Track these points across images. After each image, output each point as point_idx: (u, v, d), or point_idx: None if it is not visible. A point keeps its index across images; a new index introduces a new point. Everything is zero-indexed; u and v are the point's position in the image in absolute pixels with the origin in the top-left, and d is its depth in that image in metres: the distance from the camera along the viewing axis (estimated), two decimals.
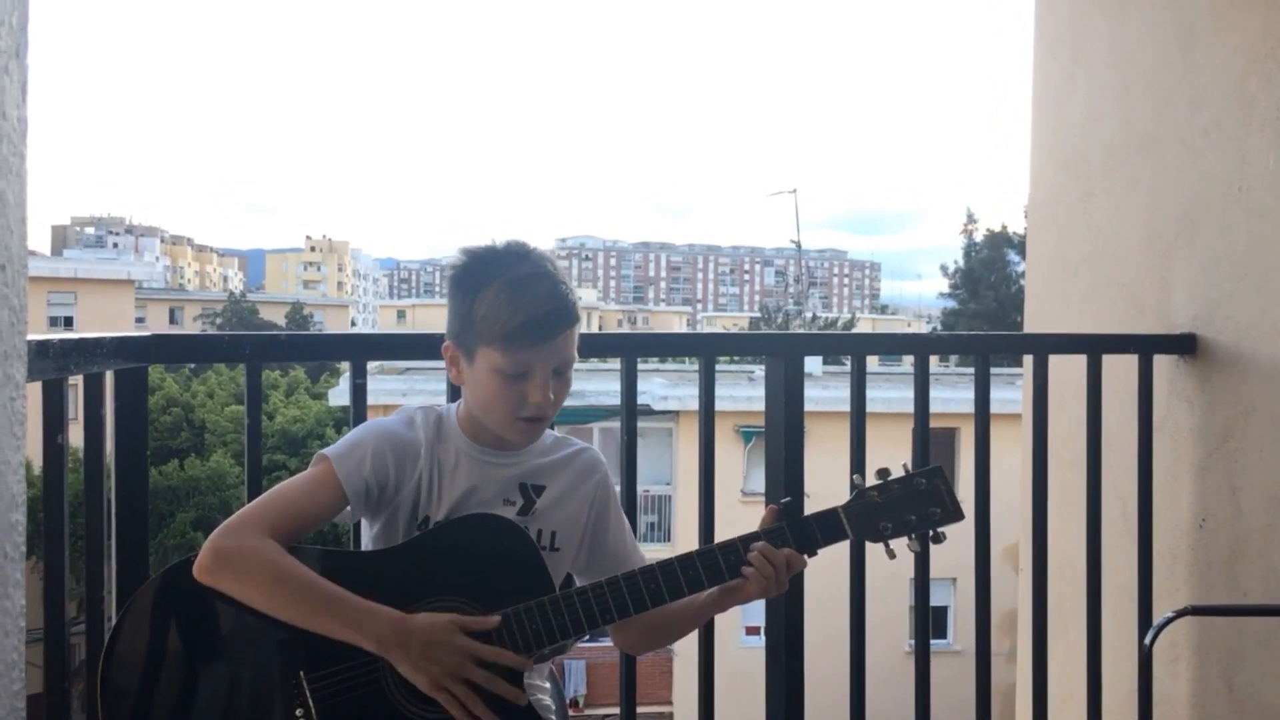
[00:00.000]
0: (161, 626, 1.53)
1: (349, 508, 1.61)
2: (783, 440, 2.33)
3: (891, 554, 1.70)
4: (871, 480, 1.70)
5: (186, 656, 1.53)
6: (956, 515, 1.69)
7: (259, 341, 1.91)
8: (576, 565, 1.77)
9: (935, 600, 16.51)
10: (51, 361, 1.38)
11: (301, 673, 1.50)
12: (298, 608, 1.48)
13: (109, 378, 1.74)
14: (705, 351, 2.32)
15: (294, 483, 1.61)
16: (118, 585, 1.79)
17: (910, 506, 1.67)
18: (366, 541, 1.72)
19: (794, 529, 1.65)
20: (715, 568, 1.63)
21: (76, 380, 1.67)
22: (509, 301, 1.58)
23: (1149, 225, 2.95)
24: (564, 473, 1.74)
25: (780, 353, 2.36)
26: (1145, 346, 2.76)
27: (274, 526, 1.52)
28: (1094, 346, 2.71)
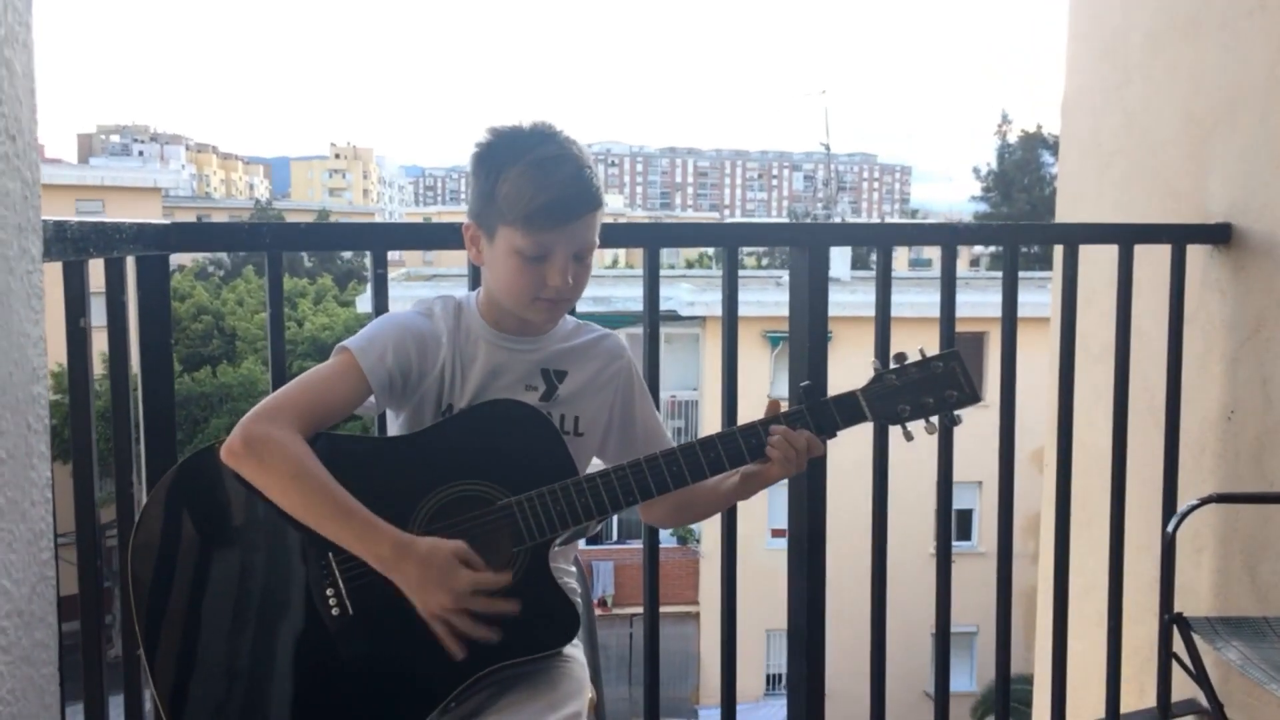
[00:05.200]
0: (190, 511, 1.55)
1: (373, 398, 1.61)
2: (806, 330, 2.32)
3: (909, 436, 1.70)
4: (891, 365, 1.69)
5: (216, 539, 1.55)
6: (973, 397, 1.68)
7: (278, 229, 1.90)
8: (606, 451, 1.77)
9: (960, 504, 16.73)
10: (70, 243, 1.38)
11: (331, 554, 1.52)
12: (308, 509, 1.48)
13: (130, 266, 1.75)
14: (728, 242, 2.29)
15: (319, 372, 1.60)
16: (147, 470, 1.82)
17: (927, 389, 1.66)
18: (393, 432, 1.73)
19: (813, 411, 1.64)
20: (736, 450, 1.63)
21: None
22: (532, 182, 1.56)
23: (1188, 112, 2.86)
24: (586, 358, 1.74)
25: (804, 243, 2.33)
26: (1179, 236, 2.70)
27: (304, 414, 1.52)
28: (1126, 236, 2.66)
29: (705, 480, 1.68)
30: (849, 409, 1.66)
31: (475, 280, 2.07)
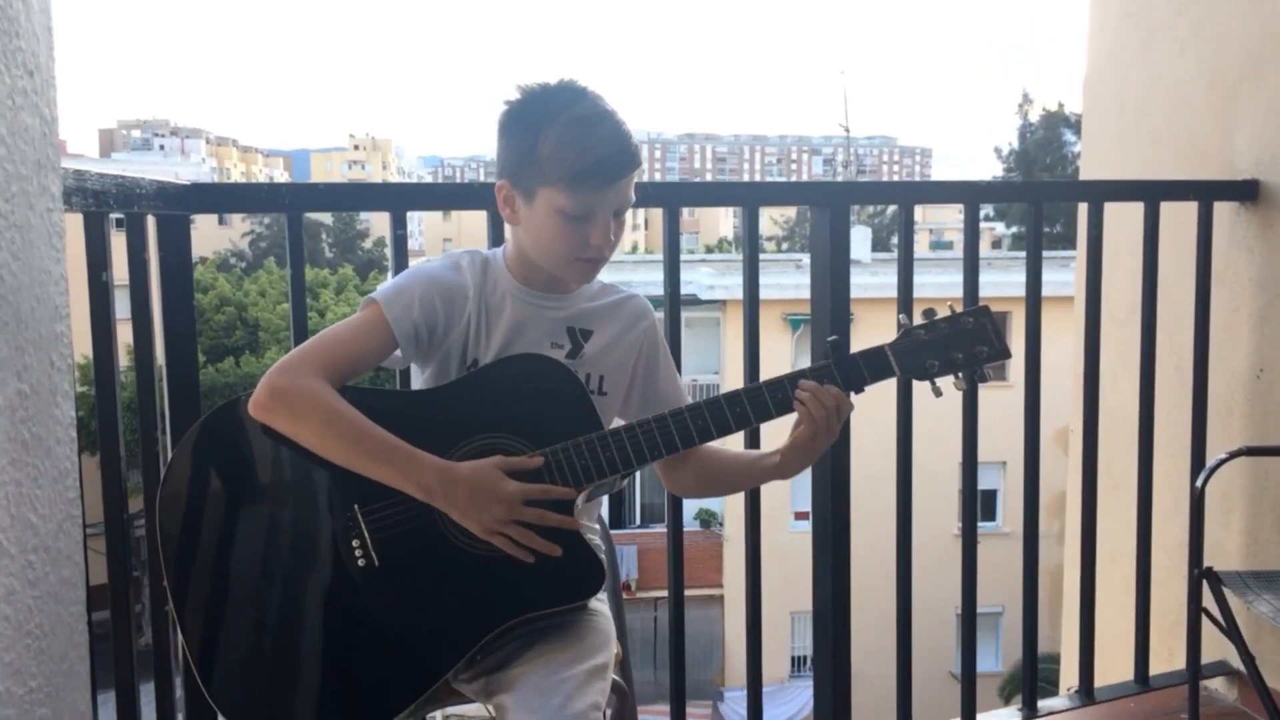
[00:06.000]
0: (215, 464, 1.55)
1: (399, 351, 1.61)
2: (829, 290, 2.30)
3: (938, 391, 1.68)
4: (919, 321, 1.66)
5: (242, 492, 1.55)
6: (1003, 353, 1.66)
7: (297, 190, 1.90)
8: (628, 411, 1.76)
9: (984, 484, 16.67)
10: (90, 195, 1.38)
11: (356, 506, 1.52)
12: (347, 450, 1.49)
13: (151, 226, 1.75)
14: (748, 201, 2.28)
15: (345, 325, 1.61)
16: (172, 429, 1.82)
17: (957, 345, 1.64)
18: (418, 386, 1.73)
19: (840, 366, 1.63)
20: (761, 404, 1.61)
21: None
22: (577, 141, 1.54)
23: (1213, 69, 2.82)
24: (612, 318, 1.73)
25: (825, 202, 2.31)
26: (1205, 193, 2.67)
27: (328, 367, 1.52)
28: (1152, 193, 2.63)
29: (736, 454, 1.68)
30: (876, 363, 1.63)
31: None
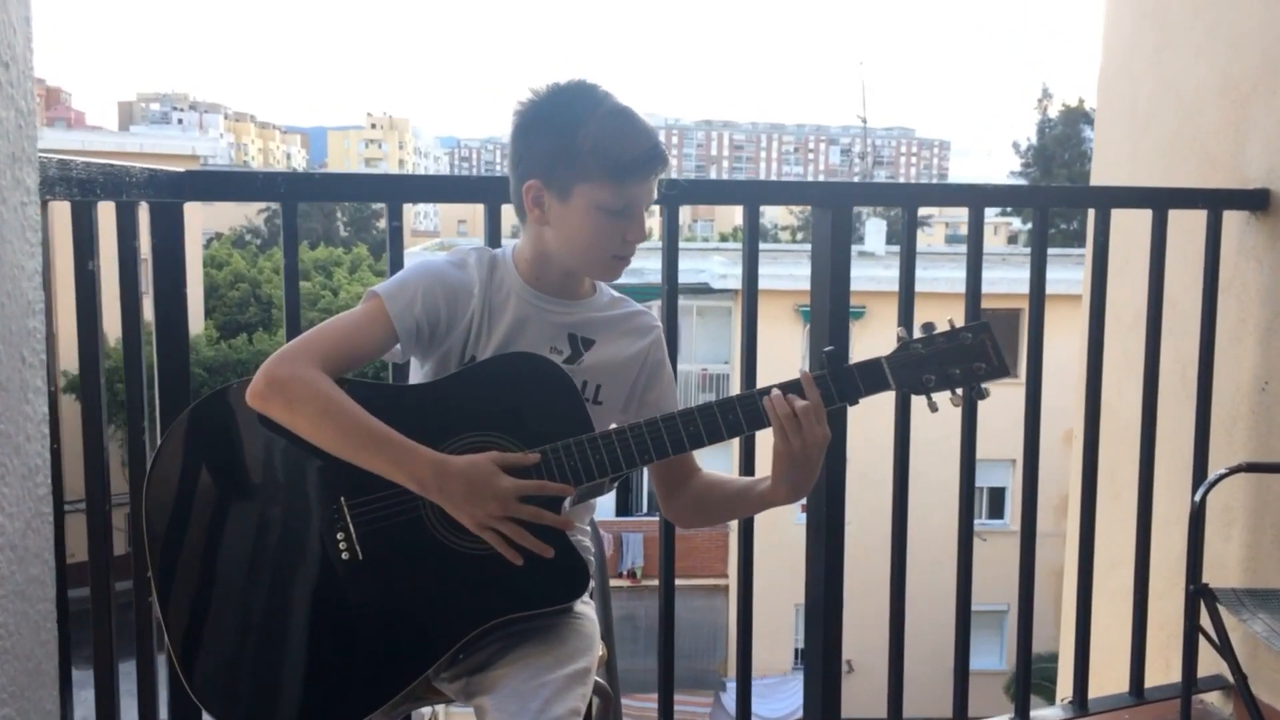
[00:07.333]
0: (203, 451, 1.54)
1: (399, 346, 1.60)
2: (828, 295, 2.28)
3: (934, 406, 1.66)
4: (918, 334, 1.64)
5: (228, 483, 1.55)
6: (1002, 371, 1.63)
7: (293, 179, 1.89)
8: (623, 422, 1.75)
9: (993, 481, 16.49)
10: (76, 184, 1.37)
11: (342, 498, 1.51)
12: (342, 440, 1.48)
13: (144, 214, 1.74)
14: (749, 200, 2.25)
15: (346, 317, 1.60)
16: (161, 421, 1.82)
17: (955, 360, 1.62)
18: (416, 381, 1.71)
19: (835, 377, 1.61)
20: (754, 412, 1.59)
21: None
22: (620, 135, 1.54)
23: (1226, 75, 2.78)
24: (617, 331, 1.71)
25: (827, 203, 2.28)
26: (1215, 202, 2.63)
27: (326, 357, 1.52)
28: (1160, 201, 2.59)
29: (732, 480, 1.71)
30: (872, 376, 1.61)
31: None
